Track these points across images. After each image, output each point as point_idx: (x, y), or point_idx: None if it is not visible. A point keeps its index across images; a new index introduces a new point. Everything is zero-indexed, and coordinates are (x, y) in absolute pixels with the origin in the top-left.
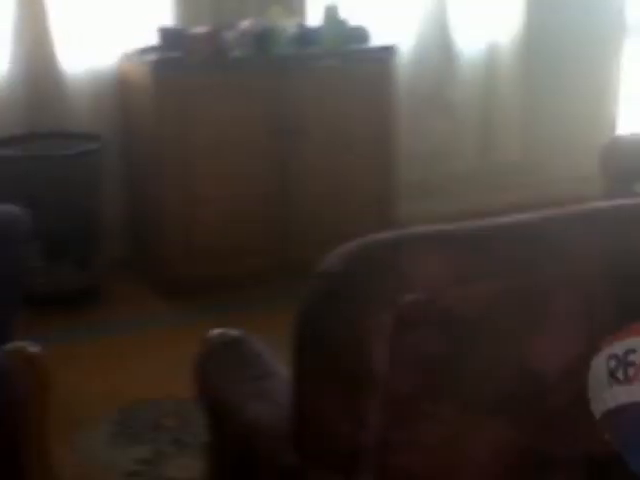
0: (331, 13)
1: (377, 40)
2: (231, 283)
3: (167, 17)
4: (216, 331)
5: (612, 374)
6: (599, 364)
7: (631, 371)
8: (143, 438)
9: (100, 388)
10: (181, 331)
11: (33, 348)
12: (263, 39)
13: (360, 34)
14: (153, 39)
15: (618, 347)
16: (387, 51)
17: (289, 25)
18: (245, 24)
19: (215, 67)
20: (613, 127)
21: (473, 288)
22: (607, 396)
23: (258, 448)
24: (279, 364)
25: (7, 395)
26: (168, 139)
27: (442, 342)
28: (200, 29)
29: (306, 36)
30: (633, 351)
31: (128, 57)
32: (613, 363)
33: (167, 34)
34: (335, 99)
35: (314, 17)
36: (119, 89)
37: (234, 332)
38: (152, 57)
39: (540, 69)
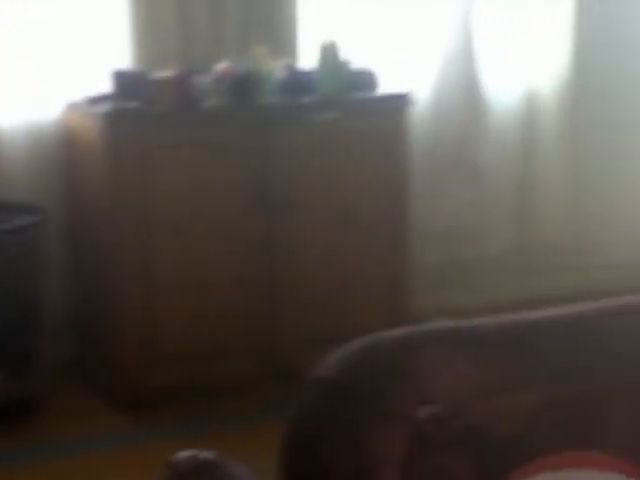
0: (329, 53)
1: (387, 87)
2: (202, 393)
3: (124, 58)
4: (184, 453)
5: None
6: None
7: None
8: None
9: None
10: (140, 452)
11: None
12: (244, 86)
13: (365, 79)
14: (106, 85)
15: None
16: (400, 100)
17: (276, 68)
18: (221, 67)
19: (184, 120)
20: None
21: (507, 400)
22: None
23: None
24: None
25: None
26: (125, 211)
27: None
28: (165, 73)
29: (298, 82)
30: None
31: (75, 107)
32: None
33: (124, 79)
34: (333, 161)
35: (308, 58)
36: (63, 148)
37: (207, 455)
38: (105, 107)
39: (591, 125)
